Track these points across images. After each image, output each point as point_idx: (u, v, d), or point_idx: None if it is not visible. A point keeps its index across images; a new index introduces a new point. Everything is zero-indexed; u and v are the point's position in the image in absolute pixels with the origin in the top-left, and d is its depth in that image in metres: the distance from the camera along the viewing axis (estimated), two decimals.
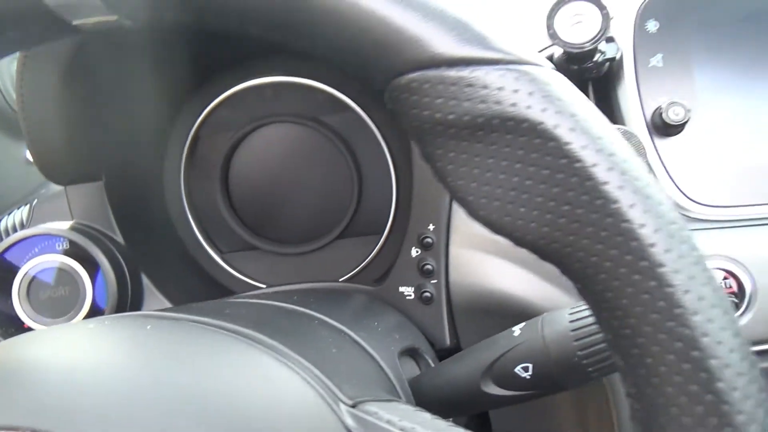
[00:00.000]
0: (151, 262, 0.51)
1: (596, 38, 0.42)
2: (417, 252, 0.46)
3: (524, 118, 0.20)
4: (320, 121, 0.54)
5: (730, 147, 0.43)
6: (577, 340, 0.31)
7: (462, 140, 0.21)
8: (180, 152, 0.56)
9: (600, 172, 0.19)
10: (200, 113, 0.55)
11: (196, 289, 0.55)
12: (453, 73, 0.20)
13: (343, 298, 0.46)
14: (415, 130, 0.21)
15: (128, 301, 0.48)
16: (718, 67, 0.44)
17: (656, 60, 0.45)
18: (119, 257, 0.49)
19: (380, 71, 0.21)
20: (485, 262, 0.44)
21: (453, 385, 0.35)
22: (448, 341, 0.44)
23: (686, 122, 0.42)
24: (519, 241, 0.21)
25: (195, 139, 0.56)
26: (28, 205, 0.63)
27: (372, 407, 0.24)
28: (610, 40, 0.46)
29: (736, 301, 0.39)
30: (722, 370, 0.18)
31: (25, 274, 0.48)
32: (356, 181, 0.54)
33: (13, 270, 0.48)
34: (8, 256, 0.49)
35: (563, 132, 0.19)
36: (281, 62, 0.53)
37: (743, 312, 0.40)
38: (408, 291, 0.46)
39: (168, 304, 0.50)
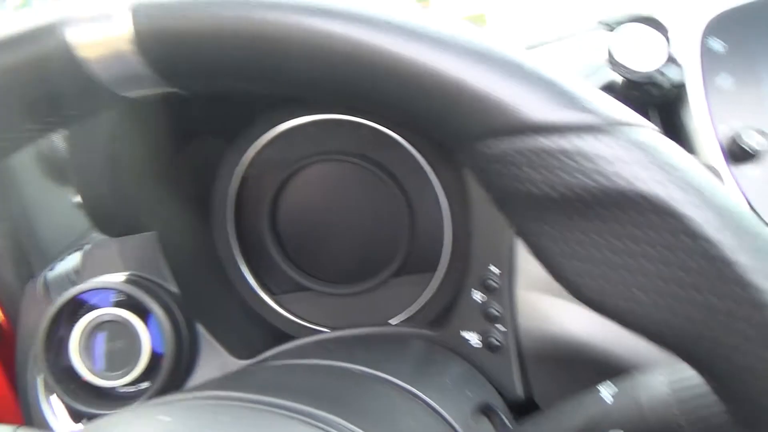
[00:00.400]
0: (205, 309, 0.51)
1: (661, 61, 0.39)
2: (479, 294, 0.44)
3: (636, 191, 0.18)
4: (367, 158, 0.53)
5: None
6: (680, 408, 0.29)
7: (560, 215, 0.19)
8: (226, 195, 0.55)
9: (729, 250, 0.17)
10: (245, 154, 0.54)
11: (252, 334, 0.54)
12: (545, 141, 0.18)
13: (401, 345, 0.45)
14: (503, 201, 0.20)
15: (185, 349, 0.48)
16: None
17: (726, 83, 0.42)
18: (173, 306, 0.48)
19: (457, 136, 0.20)
20: (557, 306, 0.42)
21: None
22: (521, 393, 0.42)
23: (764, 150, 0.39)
24: (634, 327, 0.20)
25: (242, 180, 0.55)
26: (80, 251, 0.64)
27: None
28: (673, 62, 0.44)
29: None
30: None
31: (83, 329, 0.48)
32: (408, 217, 0.52)
33: (70, 326, 0.48)
34: (64, 313, 0.49)
35: (679, 205, 0.17)
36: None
37: None
38: (472, 337, 0.44)
39: (224, 352, 0.49)
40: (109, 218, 0.47)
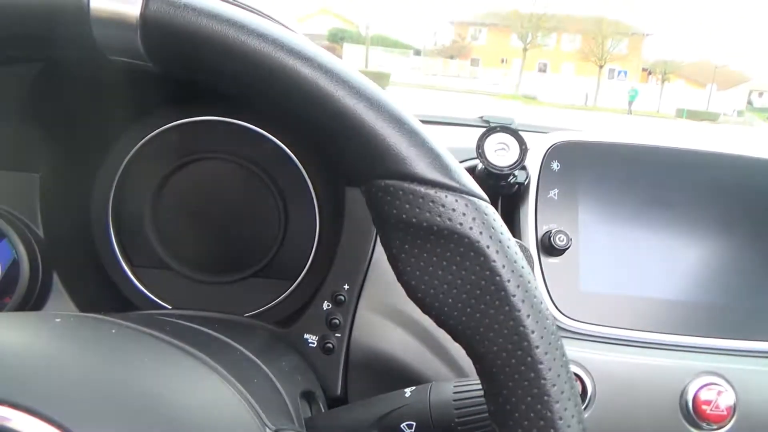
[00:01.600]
0: (64, 262, 0.52)
1: (514, 165, 0.51)
2: (328, 306, 0.51)
3: (466, 235, 0.26)
4: (260, 166, 0.58)
5: (598, 274, 0.54)
6: (456, 409, 0.38)
7: (417, 238, 0.27)
8: (117, 167, 0.57)
9: (511, 287, 0.26)
10: (143, 137, 0.57)
11: (102, 298, 0.55)
12: (422, 189, 0.27)
13: (250, 331, 0.50)
14: (383, 222, 0.27)
15: (34, 295, 0.48)
16: (599, 208, 0.55)
17: (553, 193, 0.55)
18: (35, 247, 0.49)
19: (366, 170, 0.27)
20: (387, 328, 0.50)
21: (346, 429, 0.40)
22: (339, 391, 0.49)
23: (567, 248, 0.52)
24: (441, 323, 0.28)
25: (133, 158, 0.58)
26: None
27: None
28: (522, 168, 0.56)
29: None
30: None
31: None
32: (282, 228, 0.58)
33: None
34: None
35: (491, 252, 0.26)
36: (230, 103, 0.57)
37: (584, 409, 0.49)
38: (312, 339, 0.51)
39: (72, 307, 0.50)
40: (3, 148, 0.48)
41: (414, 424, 0.39)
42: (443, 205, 0.26)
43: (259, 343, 0.46)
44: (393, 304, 0.51)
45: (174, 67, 0.28)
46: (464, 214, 0.26)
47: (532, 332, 0.26)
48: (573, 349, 0.51)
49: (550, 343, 0.26)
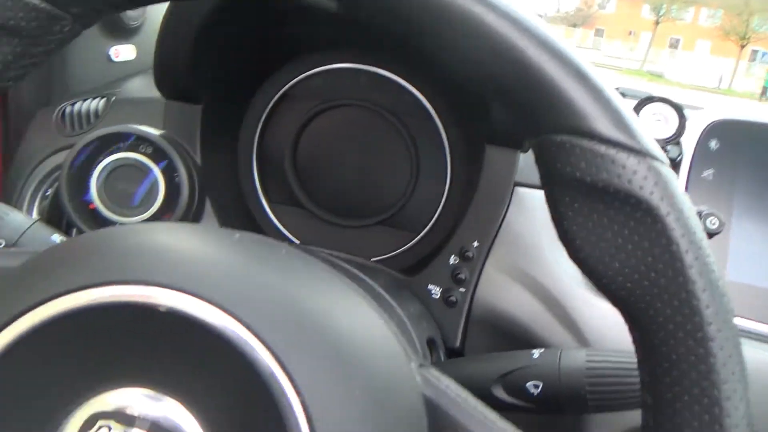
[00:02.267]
0: (216, 189, 0.56)
1: (671, 138, 0.48)
2: (455, 260, 0.52)
3: (645, 199, 0.25)
4: (397, 116, 0.59)
5: (749, 263, 0.50)
6: (589, 377, 0.38)
7: (590, 198, 0.26)
8: (265, 106, 0.61)
9: (689, 258, 0.25)
10: (291, 80, 0.60)
11: (242, 229, 0.59)
12: (602, 148, 0.25)
13: (378, 273, 0.52)
14: (553, 178, 0.27)
15: (190, 216, 0.53)
16: (758, 194, 0.51)
17: (708, 173, 0.52)
18: (194, 172, 0.53)
19: (542, 124, 0.27)
20: (513, 289, 0.50)
21: (469, 380, 0.41)
22: (458, 344, 0.50)
23: (719, 232, 0.49)
24: (602, 286, 0.27)
25: (280, 99, 0.61)
26: (105, 99, 0.67)
27: (432, 372, 0.29)
28: (676, 143, 0.53)
29: None
30: (731, 428, 0.24)
31: (106, 166, 0.52)
32: (413, 181, 0.59)
33: (97, 159, 0.52)
34: (94, 145, 0.53)
35: (671, 220, 0.25)
36: (378, 52, 0.58)
37: None
38: (435, 290, 0.52)
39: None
40: (172, 80, 0.52)
41: (541, 384, 0.39)
42: (624, 167, 0.25)
43: (388, 284, 0.47)
44: (522, 267, 0.50)
45: (354, 6, 0.28)
46: (645, 178, 0.25)
47: (707, 307, 0.25)
48: None
49: (725, 321, 0.25)
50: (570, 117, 0.26)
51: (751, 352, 0.47)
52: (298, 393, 0.22)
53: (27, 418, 0.24)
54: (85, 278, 0.24)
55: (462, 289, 0.51)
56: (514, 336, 0.50)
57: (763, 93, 19.53)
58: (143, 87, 0.71)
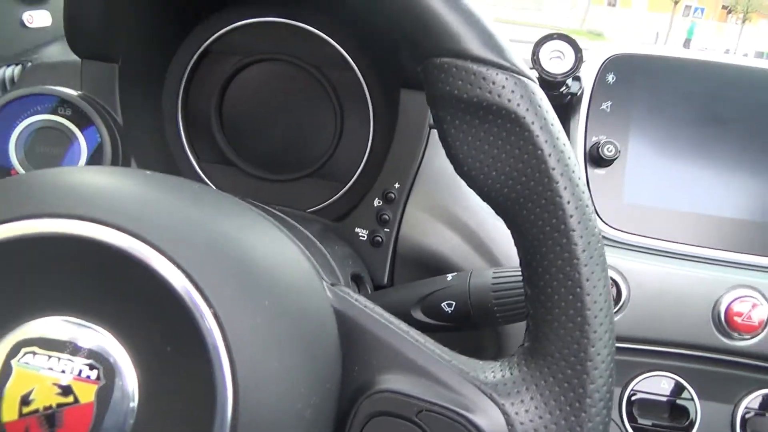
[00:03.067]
0: (141, 150, 0.56)
1: (568, 73, 0.52)
2: (379, 203, 0.54)
3: (513, 111, 0.28)
4: (318, 69, 0.60)
5: (643, 187, 0.55)
6: (494, 291, 0.41)
7: (467, 114, 0.29)
8: (186, 63, 0.61)
9: (552, 161, 0.28)
10: (210, 36, 0.60)
11: None
12: (474, 66, 0.28)
13: (308, 220, 0.54)
14: (436, 99, 0.30)
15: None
16: (651, 122, 0.55)
17: (606, 105, 0.56)
18: (116, 132, 0.54)
19: (423, 49, 0.29)
20: (433, 225, 0.53)
21: (390, 307, 0.44)
22: (386, 281, 0.53)
23: (615, 159, 0.53)
24: (484, 195, 0.30)
25: (202, 55, 0.61)
26: (20, 66, 0.66)
27: (342, 288, 0.32)
28: (576, 79, 0.57)
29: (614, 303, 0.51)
30: (592, 318, 0.28)
31: (26, 128, 0.52)
32: (338, 132, 0.61)
33: (13, 123, 0.52)
34: (9, 109, 0.52)
35: (535, 128, 0.28)
36: (298, 6, 0.59)
37: (616, 312, 0.51)
38: (362, 233, 0.55)
39: None
40: (84, 38, 0.52)
41: (454, 303, 0.42)
42: (493, 83, 0.28)
43: (316, 230, 0.50)
44: (441, 204, 0.53)
45: None
46: (512, 92, 0.28)
47: (568, 203, 0.28)
48: (612, 257, 0.53)
49: (584, 215, 0.28)
50: (446, 40, 0.29)
51: (644, 263, 0.53)
52: (210, 305, 0.24)
53: None
54: (3, 214, 0.25)
55: (387, 230, 0.54)
56: (438, 268, 0.53)
57: (685, 44, 20.24)
58: (60, 53, 0.70)
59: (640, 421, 0.52)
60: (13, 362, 0.25)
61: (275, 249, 0.30)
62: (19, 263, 0.25)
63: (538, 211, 0.28)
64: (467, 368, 0.29)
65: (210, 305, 0.24)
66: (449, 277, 0.44)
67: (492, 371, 0.29)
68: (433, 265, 0.53)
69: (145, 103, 0.59)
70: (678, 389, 0.52)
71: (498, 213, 0.30)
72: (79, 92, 0.53)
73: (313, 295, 0.29)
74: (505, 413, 0.28)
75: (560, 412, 0.28)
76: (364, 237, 0.55)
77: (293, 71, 0.61)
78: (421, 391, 0.28)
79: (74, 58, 0.56)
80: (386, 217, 0.54)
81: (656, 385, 0.52)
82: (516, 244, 0.30)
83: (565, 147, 0.29)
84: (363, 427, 0.28)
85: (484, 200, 0.31)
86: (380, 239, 0.54)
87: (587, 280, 0.28)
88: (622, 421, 0.52)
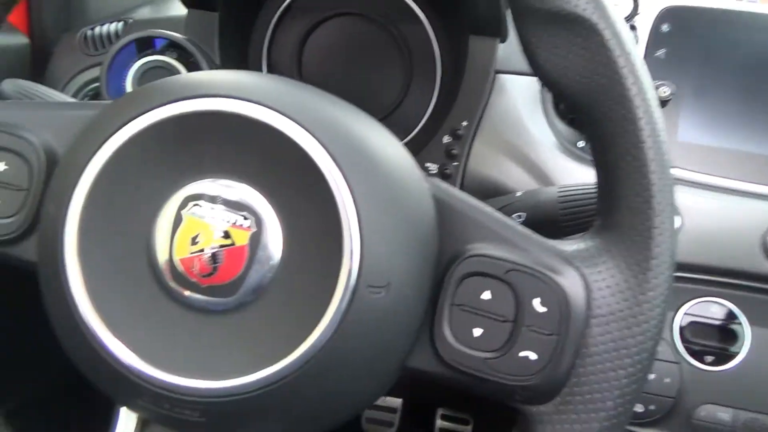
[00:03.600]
0: None
1: (625, 18, 0.56)
2: (448, 139, 0.60)
3: (587, 18, 0.33)
4: (391, 24, 0.66)
5: (696, 126, 0.59)
6: (560, 203, 0.46)
7: (548, 23, 0.34)
8: (272, 15, 0.67)
9: (621, 61, 0.32)
10: None
11: None
12: None
13: None
14: (520, 12, 0.34)
15: None
16: (704, 71, 0.59)
17: (660, 53, 0.60)
18: None
19: None
20: (499, 159, 0.58)
21: None
22: None
23: (669, 100, 0.57)
24: (560, 93, 0.35)
25: (285, 10, 0.67)
26: (122, 22, 0.74)
27: (437, 180, 0.37)
28: (633, 28, 0.61)
29: None
30: (656, 192, 0.31)
31: (139, 67, 0.59)
32: (407, 80, 0.66)
33: (128, 64, 0.59)
34: (126, 51, 0.59)
35: (607, 33, 0.32)
36: None
37: None
38: (432, 167, 0.60)
39: None
40: None
41: (524, 214, 0.48)
42: None
43: None
44: (505, 140, 0.59)
45: None
46: (586, 2, 0.33)
47: (636, 95, 0.31)
48: None
49: (648, 105, 0.32)
50: None
51: (696, 197, 0.57)
52: (340, 169, 0.30)
53: (139, 199, 0.31)
54: (177, 94, 0.31)
55: (455, 163, 0.60)
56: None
57: None
58: (151, 13, 0.77)
59: (692, 341, 0.56)
60: (183, 212, 0.31)
61: (389, 137, 0.35)
62: (189, 135, 0.31)
63: (609, 103, 0.32)
64: (548, 241, 0.34)
65: (340, 169, 0.30)
66: (518, 193, 0.49)
67: (569, 244, 0.34)
68: (497, 193, 0.58)
69: (235, 53, 0.66)
70: (729, 315, 0.56)
71: (574, 110, 0.35)
72: (186, 36, 0.60)
73: (416, 177, 0.34)
74: (582, 275, 0.32)
75: (629, 272, 0.32)
76: (434, 171, 0.60)
77: (365, 25, 0.67)
78: (509, 255, 0.32)
79: (165, 15, 0.63)
80: (455, 151, 0.59)
81: (708, 309, 0.56)
82: (589, 137, 0.35)
83: (632, 49, 0.33)
84: (457, 287, 0.32)
85: (561, 100, 0.36)
86: (449, 172, 0.59)
87: (652, 160, 0.32)
88: (674, 343, 0.56)
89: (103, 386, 0.33)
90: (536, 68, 0.35)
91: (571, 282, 0.31)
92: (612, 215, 0.33)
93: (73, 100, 0.65)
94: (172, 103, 0.31)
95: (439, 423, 0.93)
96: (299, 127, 0.30)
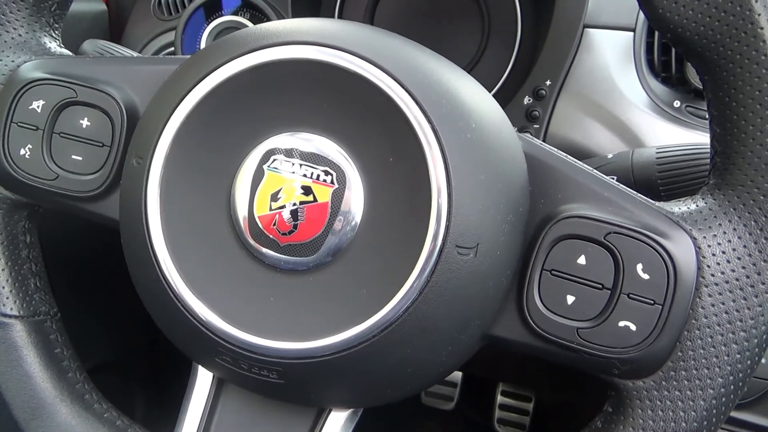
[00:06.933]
0: None
1: None
2: (529, 100, 0.56)
3: None
4: None
5: None
6: (659, 165, 0.42)
7: None
8: None
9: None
10: None
11: None
12: None
13: None
14: None
15: None
16: None
17: None
18: None
19: None
20: (583, 120, 0.54)
21: None
22: None
23: None
24: (678, 34, 0.31)
25: None
26: None
27: (529, 136, 0.34)
28: None
29: None
30: None
31: (214, 27, 0.59)
32: (484, 38, 0.63)
33: (203, 24, 0.59)
34: (200, 11, 0.59)
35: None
36: None
37: None
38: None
39: None
40: None
41: (614, 178, 0.44)
42: None
43: None
44: (592, 100, 0.54)
45: None
46: None
47: None
48: None
49: None
50: None
51: None
52: (429, 121, 0.27)
53: (220, 153, 0.30)
54: (257, 43, 0.30)
55: (536, 125, 0.56)
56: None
57: None
58: None
59: None
60: (265, 167, 0.29)
61: (481, 89, 0.32)
62: (271, 86, 0.30)
63: (736, 45, 0.29)
64: (654, 202, 0.31)
65: (429, 120, 0.28)
66: (610, 155, 0.45)
67: (677, 205, 0.31)
68: (580, 157, 0.54)
69: (308, 10, 0.64)
70: None
71: (689, 56, 0.31)
72: None
73: (508, 132, 0.32)
74: (693, 239, 0.28)
75: (749, 236, 0.28)
76: None
77: None
78: (610, 217, 0.29)
79: None
80: (536, 113, 0.56)
81: None
82: (705, 86, 0.31)
83: None
84: (550, 251, 0.29)
85: (676, 45, 0.31)
86: (530, 134, 0.56)
87: None
88: None
89: (181, 344, 0.33)
90: (650, 8, 0.31)
91: (680, 246, 0.28)
92: (730, 173, 0.29)
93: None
94: (254, 52, 0.29)
95: (500, 399, 0.91)
96: (388, 76, 0.28)
